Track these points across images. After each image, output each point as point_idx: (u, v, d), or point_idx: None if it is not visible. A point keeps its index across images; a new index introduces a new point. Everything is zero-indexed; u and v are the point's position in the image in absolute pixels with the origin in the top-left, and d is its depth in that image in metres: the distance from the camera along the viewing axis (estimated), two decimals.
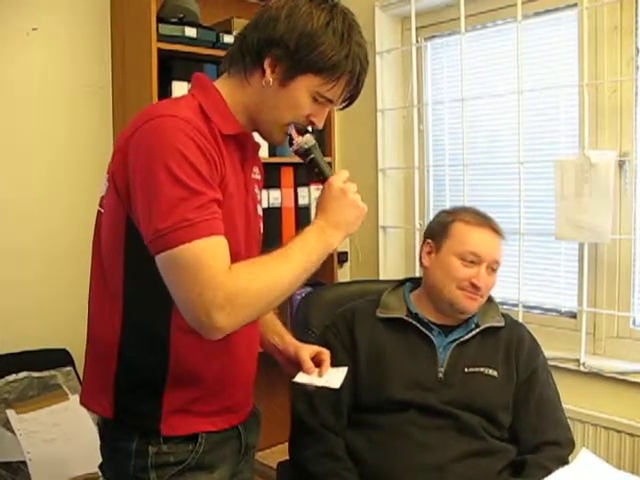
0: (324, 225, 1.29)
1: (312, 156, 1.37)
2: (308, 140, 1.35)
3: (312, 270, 1.26)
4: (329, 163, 2.79)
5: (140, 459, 1.25)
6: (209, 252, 1.13)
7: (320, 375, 1.43)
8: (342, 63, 1.25)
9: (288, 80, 1.25)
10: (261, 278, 1.18)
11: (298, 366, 1.45)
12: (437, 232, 1.76)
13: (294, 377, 1.43)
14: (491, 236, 1.72)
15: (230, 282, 1.13)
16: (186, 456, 1.27)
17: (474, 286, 1.67)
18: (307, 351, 1.47)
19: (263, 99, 1.29)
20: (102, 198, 1.30)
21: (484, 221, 1.73)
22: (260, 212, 1.44)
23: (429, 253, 1.76)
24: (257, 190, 1.43)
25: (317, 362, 1.46)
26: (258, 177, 1.46)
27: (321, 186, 2.45)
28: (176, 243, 1.11)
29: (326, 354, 1.48)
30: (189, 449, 1.27)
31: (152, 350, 1.25)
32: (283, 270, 1.21)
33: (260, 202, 1.46)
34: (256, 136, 1.38)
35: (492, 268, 1.70)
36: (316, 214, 1.32)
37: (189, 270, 1.11)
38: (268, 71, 1.25)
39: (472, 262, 1.68)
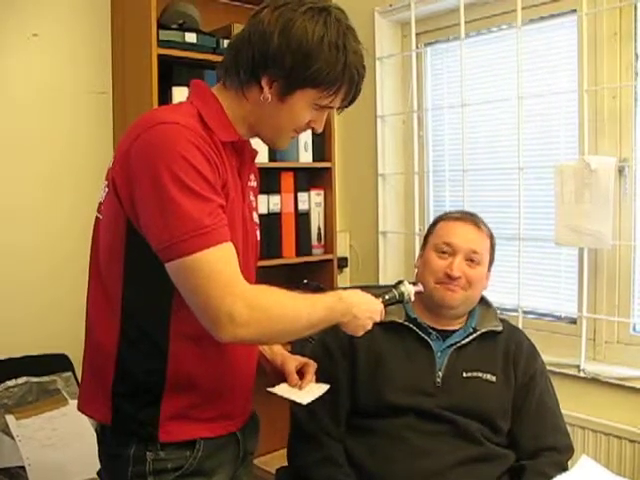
0: (351, 308, 1.33)
1: (399, 300, 1.50)
2: (412, 295, 1.50)
3: (324, 326, 1.30)
4: (328, 169, 2.80)
5: (138, 465, 1.25)
6: (224, 259, 1.16)
7: (300, 388, 1.42)
8: (339, 76, 1.24)
9: (286, 96, 1.25)
10: (283, 304, 1.22)
11: (283, 377, 1.45)
12: (426, 235, 1.82)
13: (272, 386, 1.42)
14: (467, 227, 1.74)
15: (250, 293, 1.18)
16: (184, 462, 1.27)
17: (449, 277, 1.67)
18: (293, 363, 1.47)
19: (263, 113, 1.29)
20: (100, 204, 1.30)
21: (463, 216, 1.78)
22: (256, 219, 1.44)
23: (421, 256, 1.80)
24: (253, 197, 1.44)
25: (302, 374, 1.46)
26: (254, 184, 1.46)
27: (323, 192, 2.53)
28: (191, 251, 1.12)
29: (312, 366, 1.47)
30: (187, 455, 1.27)
31: (150, 357, 1.25)
32: (304, 308, 1.25)
33: (256, 209, 1.46)
34: (253, 143, 1.38)
35: (472, 259, 1.70)
36: (353, 293, 1.37)
37: (207, 277, 1.13)
38: (266, 89, 1.25)
39: (447, 253, 1.70)
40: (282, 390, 1.42)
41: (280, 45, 1.21)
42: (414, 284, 1.54)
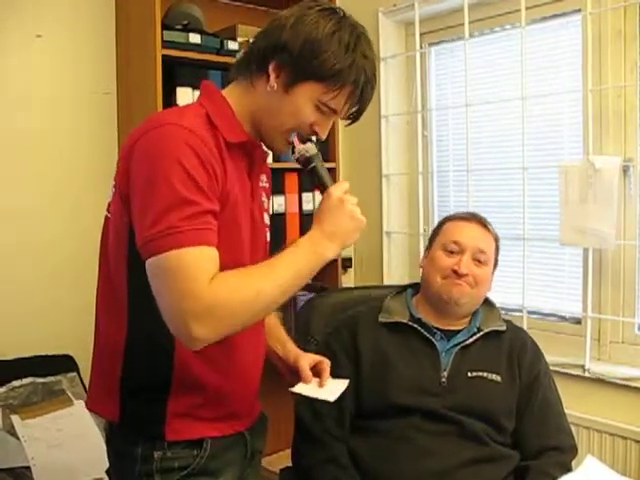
0: (319, 236, 1.26)
1: (313, 165, 1.35)
2: (309, 148, 1.34)
3: (303, 282, 1.24)
4: (332, 169, 2.80)
5: (145, 464, 1.25)
6: (193, 261, 1.12)
7: (320, 385, 1.41)
8: (345, 72, 1.24)
9: (291, 86, 1.25)
10: (242, 291, 1.15)
11: (297, 375, 1.44)
12: (432, 236, 1.83)
13: (292, 386, 1.41)
14: (474, 227, 1.77)
15: (209, 293, 1.11)
16: (191, 461, 1.27)
17: (456, 273, 1.69)
18: (307, 360, 1.46)
19: (267, 104, 1.29)
20: (109, 204, 1.30)
21: (470, 217, 1.81)
22: (267, 221, 1.43)
23: (426, 256, 1.81)
24: (264, 198, 1.43)
25: (317, 372, 1.45)
26: (266, 185, 1.46)
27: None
28: (162, 249, 1.11)
29: (326, 364, 1.47)
30: (194, 454, 1.27)
31: (156, 356, 1.25)
32: (267, 283, 1.18)
33: (267, 211, 1.45)
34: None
35: (479, 260, 1.72)
36: (313, 224, 1.29)
37: (172, 277, 1.11)
38: (272, 76, 1.26)
39: (454, 252, 1.73)
40: (304, 389, 1.40)
41: (291, 34, 1.23)
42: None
